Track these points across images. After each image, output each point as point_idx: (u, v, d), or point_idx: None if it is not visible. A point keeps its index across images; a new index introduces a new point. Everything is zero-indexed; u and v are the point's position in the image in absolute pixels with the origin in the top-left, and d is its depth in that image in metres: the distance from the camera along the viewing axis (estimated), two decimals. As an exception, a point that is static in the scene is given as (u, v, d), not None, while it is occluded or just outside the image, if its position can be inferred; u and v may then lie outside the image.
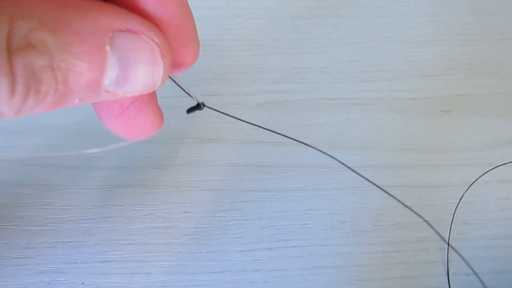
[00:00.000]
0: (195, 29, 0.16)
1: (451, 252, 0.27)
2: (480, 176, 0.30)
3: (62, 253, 0.27)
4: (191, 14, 0.16)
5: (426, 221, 0.28)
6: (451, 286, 0.26)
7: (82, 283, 0.26)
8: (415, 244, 0.28)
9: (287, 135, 0.31)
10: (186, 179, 0.29)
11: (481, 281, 0.27)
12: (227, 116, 0.31)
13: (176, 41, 0.15)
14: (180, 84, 0.20)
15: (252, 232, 0.28)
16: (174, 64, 0.16)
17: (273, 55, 0.34)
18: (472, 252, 0.28)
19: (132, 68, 0.14)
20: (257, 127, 0.31)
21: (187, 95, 0.32)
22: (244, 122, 0.31)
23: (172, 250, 0.27)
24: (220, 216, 0.28)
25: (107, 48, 0.13)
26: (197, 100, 0.21)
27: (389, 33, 0.36)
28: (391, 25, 0.36)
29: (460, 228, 0.28)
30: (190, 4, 0.16)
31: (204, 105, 0.21)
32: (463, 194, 0.29)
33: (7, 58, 0.11)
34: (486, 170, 0.30)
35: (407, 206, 0.28)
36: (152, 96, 0.19)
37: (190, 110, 0.21)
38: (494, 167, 0.30)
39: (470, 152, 0.31)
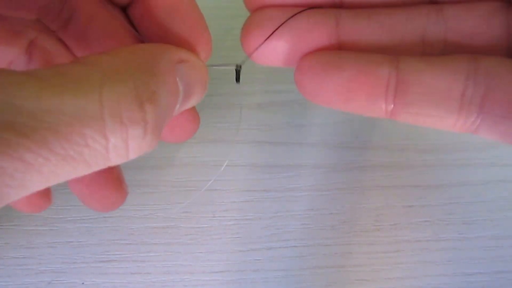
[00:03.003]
0: (207, 29, 0.20)
1: (451, 252, 0.28)
2: (480, 176, 0.30)
3: (62, 253, 0.27)
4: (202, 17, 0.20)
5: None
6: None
7: (82, 283, 0.26)
8: (414, 244, 0.28)
9: (287, 135, 0.31)
10: (186, 179, 0.29)
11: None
12: (226, 116, 0.31)
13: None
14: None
15: (252, 232, 0.28)
16: None
17: (273, 55, 0.34)
18: (471, 252, 0.28)
19: (192, 90, 0.17)
20: (257, 127, 0.31)
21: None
22: (243, 122, 0.31)
23: (172, 250, 0.27)
24: (220, 216, 0.28)
25: (177, 79, 0.16)
26: (235, 66, 0.22)
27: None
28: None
29: (460, 228, 0.28)
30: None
31: (240, 66, 0.23)
32: (463, 194, 0.29)
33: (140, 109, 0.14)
34: (486, 170, 0.30)
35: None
36: (110, 174, 0.20)
37: (237, 79, 0.22)
38: (494, 167, 0.30)
39: (470, 152, 0.31)
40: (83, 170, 0.13)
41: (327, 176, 0.29)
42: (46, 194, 0.20)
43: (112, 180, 0.19)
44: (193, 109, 0.20)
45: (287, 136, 0.31)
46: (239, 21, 0.37)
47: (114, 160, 0.14)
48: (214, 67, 0.20)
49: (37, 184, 0.13)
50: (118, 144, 0.14)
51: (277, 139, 0.30)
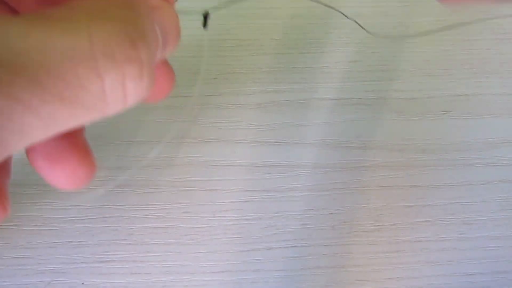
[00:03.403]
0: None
1: (452, 252, 0.27)
2: (480, 176, 0.30)
3: (62, 253, 0.27)
4: None
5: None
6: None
7: (82, 283, 0.26)
8: (415, 244, 0.28)
9: (287, 135, 0.31)
10: (186, 179, 0.29)
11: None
12: (226, 116, 0.31)
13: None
14: None
15: (252, 232, 0.28)
16: None
17: (273, 55, 0.34)
18: (472, 252, 0.28)
19: (167, 37, 0.17)
20: (257, 127, 0.31)
21: (187, 95, 0.32)
22: (244, 122, 0.31)
23: (172, 250, 0.27)
24: (220, 216, 0.28)
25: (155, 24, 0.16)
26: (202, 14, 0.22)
27: (389, 33, 0.36)
28: (391, 25, 0.36)
29: (460, 228, 0.28)
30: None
31: (208, 12, 0.22)
32: (464, 194, 0.29)
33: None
34: (486, 170, 0.30)
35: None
36: (75, 144, 0.18)
37: (204, 25, 0.22)
38: (494, 167, 0.30)
39: (470, 152, 0.31)
40: (82, 116, 0.13)
41: (327, 176, 0.29)
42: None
43: (78, 151, 0.18)
44: (166, 63, 0.20)
45: (287, 136, 0.31)
46: (239, 21, 0.37)
47: (112, 104, 0.14)
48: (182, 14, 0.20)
49: (37, 131, 0.12)
50: (114, 85, 0.13)
51: (277, 139, 0.30)
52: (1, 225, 0.27)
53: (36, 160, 0.18)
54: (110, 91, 0.13)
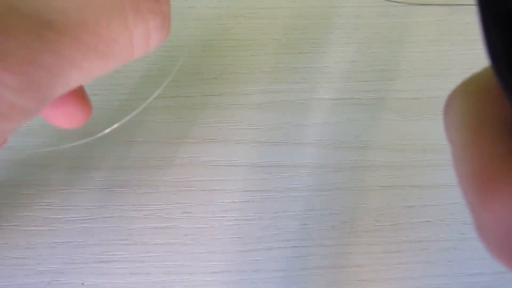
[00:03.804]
0: None
1: (452, 252, 0.27)
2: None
3: (62, 253, 0.27)
4: None
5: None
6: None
7: (82, 283, 0.26)
8: (415, 244, 0.28)
9: (287, 135, 0.31)
10: (186, 179, 0.29)
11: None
12: (226, 116, 0.31)
13: None
14: None
15: (252, 232, 0.28)
16: None
17: (273, 55, 0.34)
18: (472, 252, 0.28)
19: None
20: (257, 127, 0.31)
21: (187, 95, 0.32)
22: (244, 122, 0.31)
23: (172, 250, 0.27)
24: (220, 216, 0.28)
25: None
26: None
27: (389, 33, 0.36)
28: (391, 25, 0.36)
29: (460, 228, 0.28)
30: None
31: None
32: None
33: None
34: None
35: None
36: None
37: None
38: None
39: (470, 152, 0.31)
40: (112, 65, 0.15)
41: (327, 176, 0.29)
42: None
43: (76, 95, 0.19)
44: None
45: (287, 136, 0.30)
46: (239, 21, 0.37)
47: (137, 52, 0.15)
48: None
49: (77, 81, 0.14)
50: (141, 37, 0.15)
51: (277, 139, 0.30)
52: (1, 225, 0.27)
53: None
54: (136, 42, 0.15)
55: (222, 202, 0.28)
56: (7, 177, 0.29)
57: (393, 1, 0.37)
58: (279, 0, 0.36)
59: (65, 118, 0.19)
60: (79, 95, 0.19)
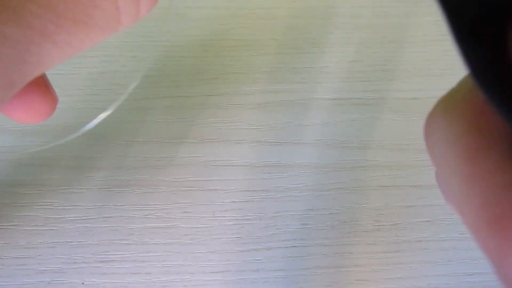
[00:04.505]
0: None
1: (452, 252, 0.27)
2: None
3: (62, 253, 0.27)
4: None
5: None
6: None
7: (82, 283, 0.26)
8: (415, 244, 0.28)
9: (287, 135, 0.31)
10: (186, 179, 0.29)
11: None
12: (226, 116, 0.31)
13: None
14: None
15: (252, 232, 0.28)
16: None
17: (273, 55, 0.34)
18: (472, 252, 0.28)
19: None
20: (257, 127, 0.31)
21: (187, 95, 0.32)
22: (244, 122, 0.31)
23: (172, 250, 0.27)
24: (220, 216, 0.28)
25: None
26: None
27: (389, 33, 0.36)
28: (391, 25, 0.36)
29: (460, 228, 0.28)
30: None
31: None
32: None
33: None
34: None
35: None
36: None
37: None
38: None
39: (470, 152, 0.31)
40: (96, 36, 0.13)
41: (327, 176, 0.29)
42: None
43: (36, 84, 0.17)
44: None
45: (287, 136, 0.31)
46: (239, 21, 0.37)
47: (125, 20, 0.13)
48: None
49: (54, 58, 0.12)
50: (128, 1, 0.13)
51: (277, 139, 0.30)
52: (1, 225, 0.27)
53: None
54: (124, 7, 0.13)
55: (222, 202, 0.28)
56: (7, 177, 0.29)
57: None
58: (279, 0, 0.36)
59: (26, 112, 0.17)
60: (42, 83, 0.17)
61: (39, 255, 0.27)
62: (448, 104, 0.12)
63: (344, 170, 0.29)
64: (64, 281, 0.26)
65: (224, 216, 0.28)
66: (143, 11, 0.14)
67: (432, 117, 0.13)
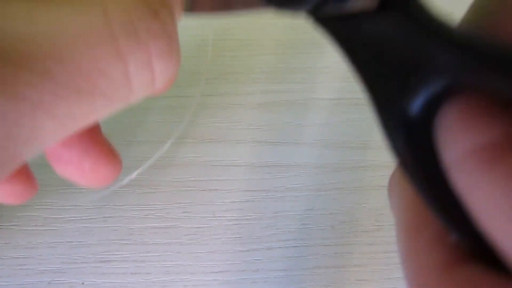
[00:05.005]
0: None
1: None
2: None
3: (62, 253, 0.27)
4: None
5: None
6: None
7: (82, 283, 0.26)
8: (415, 244, 0.28)
9: (287, 135, 0.31)
10: (186, 179, 0.29)
11: None
12: (226, 116, 0.31)
13: None
14: None
15: (252, 232, 0.28)
16: None
17: (273, 55, 0.34)
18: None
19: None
20: (257, 127, 0.31)
21: (187, 95, 0.32)
22: (244, 122, 0.31)
23: (172, 250, 0.27)
24: (220, 216, 0.28)
25: None
26: None
27: None
28: None
29: (460, 228, 0.28)
30: None
31: None
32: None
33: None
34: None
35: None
36: (93, 140, 0.16)
37: None
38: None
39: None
40: (104, 108, 0.11)
41: (327, 176, 0.29)
42: (28, 178, 0.16)
43: (103, 151, 0.16)
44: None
45: (287, 136, 0.31)
46: (239, 21, 0.37)
47: (138, 89, 0.12)
48: None
49: (52, 133, 0.10)
50: (140, 67, 0.11)
51: (277, 139, 0.30)
52: (1, 225, 0.27)
53: (61, 167, 0.16)
54: (135, 75, 0.11)
55: (222, 202, 0.28)
56: (7, 177, 0.29)
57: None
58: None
59: (92, 178, 0.16)
60: (104, 144, 0.16)
61: (39, 255, 0.27)
62: (401, 174, 0.12)
63: (344, 170, 0.29)
64: (64, 281, 0.26)
65: (224, 216, 0.28)
66: (159, 81, 0.12)
67: (391, 180, 0.13)
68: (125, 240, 0.27)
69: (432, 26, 0.10)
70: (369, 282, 0.27)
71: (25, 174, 0.16)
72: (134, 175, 0.28)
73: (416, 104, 0.10)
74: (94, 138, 0.16)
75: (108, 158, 0.16)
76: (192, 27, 0.34)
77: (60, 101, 0.10)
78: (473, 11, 0.11)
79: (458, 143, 0.09)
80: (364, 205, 0.29)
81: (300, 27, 0.35)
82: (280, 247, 0.27)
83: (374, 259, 0.27)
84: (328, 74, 0.33)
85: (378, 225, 0.28)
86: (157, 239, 0.27)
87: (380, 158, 0.30)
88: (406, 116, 0.10)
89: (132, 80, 0.11)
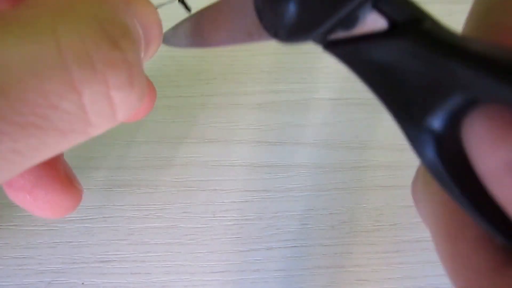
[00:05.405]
0: None
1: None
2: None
3: (62, 253, 0.27)
4: None
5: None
6: None
7: (82, 283, 0.26)
8: (415, 244, 0.28)
9: (287, 135, 0.31)
10: (186, 179, 0.29)
11: None
12: (226, 116, 0.31)
13: None
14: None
15: (252, 232, 0.28)
16: None
17: (273, 55, 0.34)
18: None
19: (150, 34, 0.13)
20: (257, 127, 0.31)
21: (187, 95, 0.32)
22: (244, 122, 0.31)
23: (172, 250, 0.27)
24: (220, 216, 0.28)
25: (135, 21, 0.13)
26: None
27: None
28: None
29: (460, 228, 0.28)
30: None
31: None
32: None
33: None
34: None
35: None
36: (56, 173, 0.16)
37: (186, 7, 0.20)
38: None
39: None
40: (56, 143, 0.10)
41: (327, 176, 0.29)
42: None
43: (60, 180, 0.15)
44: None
45: (287, 136, 0.31)
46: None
47: (97, 122, 0.11)
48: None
49: (3, 172, 0.10)
50: (97, 99, 0.10)
51: (277, 139, 0.30)
52: (1, 225, 0.27)
53: (17, 195, 0.15)
54: (92, 107, 0.11)
55: (222, 202, 0.28)
56: (7, 177, 0.29)
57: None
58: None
59: (49, 209, 0.15)
60: (63, 175, 0.15)
61: (39, 255, 0.27)
62: (427, 178, 0.12)
63: (344, 170, 0.29)
64: (64, 281, 0.26)
65: (224, 216, 0.28)
66: (120, 113, 0.11)
67: (415, 186, 0.13)
68: (125, 240, 0.27)
69: (446, 43, 0.10)
70: (369, 282, 0.27)
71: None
72: (125, 176, 0.28)
73: (440, 119, 0.10)
74: (51, 165, 0.15)
75: (65, 187, 0.15)
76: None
77: (5, 137, 0.09)
78: (475, 20, 0.11)
79: (492, 155, 0.09)
80: (364, 205, 0.29)
81: (300, 27, 0.35)
82: (280, 247, 0.27)
83: (374, 259, 0.27)
84: (328, 74, 0.33)
85: (378, 225, 0.28)
86: (157, 239, 0.27)
87: (380, 158, 0.30)
88: (432, 131, 0.10)
89: (88, 113, 0.11)
